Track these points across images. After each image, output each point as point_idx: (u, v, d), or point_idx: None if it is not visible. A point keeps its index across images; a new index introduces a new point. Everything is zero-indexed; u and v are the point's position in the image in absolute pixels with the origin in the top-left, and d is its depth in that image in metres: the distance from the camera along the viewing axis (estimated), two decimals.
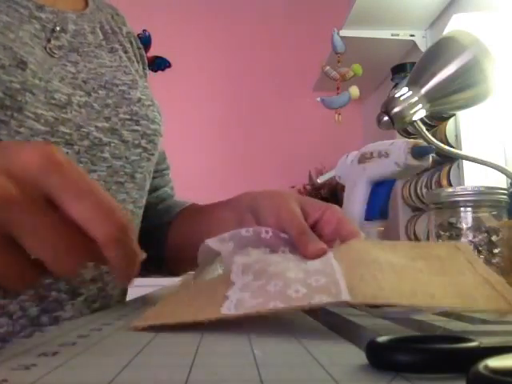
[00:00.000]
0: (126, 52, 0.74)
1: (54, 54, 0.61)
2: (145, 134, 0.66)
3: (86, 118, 0.60)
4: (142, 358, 0.29)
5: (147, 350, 0.32)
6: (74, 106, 0.59)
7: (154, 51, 2.28)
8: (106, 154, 0.61)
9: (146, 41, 2.25)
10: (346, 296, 0.36)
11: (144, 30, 2.25)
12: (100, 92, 0.63)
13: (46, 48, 0.60)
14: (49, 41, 0.61)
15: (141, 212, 0.69)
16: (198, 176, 2.37)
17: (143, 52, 0.82)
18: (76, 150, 0.58)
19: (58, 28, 0.63)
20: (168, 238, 0.74)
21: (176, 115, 2.42)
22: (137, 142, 0.65)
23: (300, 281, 0.38)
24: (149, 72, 0.84)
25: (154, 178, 0.76)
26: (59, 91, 0.57)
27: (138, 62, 0.79)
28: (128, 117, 0.64)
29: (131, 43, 0.79)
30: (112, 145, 0.62)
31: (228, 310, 0.37)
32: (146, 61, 0.83)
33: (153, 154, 0.69)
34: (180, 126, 2.39)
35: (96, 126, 0.60)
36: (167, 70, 2.37)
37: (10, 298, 0.52)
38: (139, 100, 0.66)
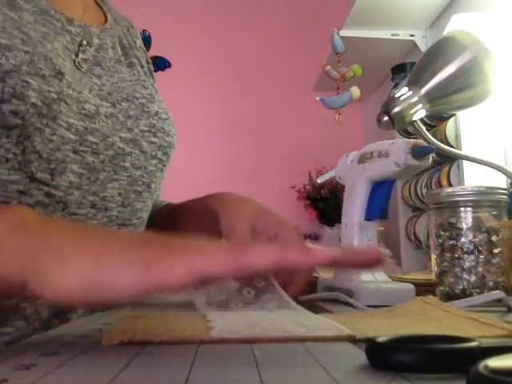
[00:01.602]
0: (142, 66, 0.76)
1: (82, 67, 0.63)
2: (161, 145, 0.68)
3: (112, 129, 0.62)
4: (142, 358, 0.29)
5: (147, 350, 0.32)
6: (102, 116, 0.61)
7: (153, 51, 2.28)
8: (127, 164, 0.63)
9: (146, 41, 2.24)
10: (347, 330, 0.35)
11: (144, 30, 2.25)
12: (123, 104, 0.65)
13: (74, 62, 0.62)
14: (76, 55, 0.63)
15: None
16: (198, 175, 2.37)
17: (152, 67, 0.84)
18: (101, 159, 0.60)
19: (84, 42, 0.65)
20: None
21: (175, 115, 2.41)
22: (154, 153, 0.67)
23: (296, 323, 0.38)
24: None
25: None
26: (89, 102, 0.59)
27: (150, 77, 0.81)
28: (147, 129, 0.67)
29: (143, 57, 0.80)
30: (133, 155, 0.64)
31: (219, 334, 0.35)
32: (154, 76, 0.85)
33: (165, 165, 0.71)
34: (179, 126, 2.39)
35: (120, 137, 0.62)
36: (167, 69, 2.37)
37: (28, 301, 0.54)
38: (157, 113, 0.69)
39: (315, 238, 2.24)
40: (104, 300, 0.32)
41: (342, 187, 0.71)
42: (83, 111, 0.58)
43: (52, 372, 0.26)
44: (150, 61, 0.84)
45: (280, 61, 2.58)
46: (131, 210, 0.64)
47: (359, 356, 0.29)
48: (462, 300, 0.54)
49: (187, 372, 0.26)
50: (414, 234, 1.59)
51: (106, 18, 0.74)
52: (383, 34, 1.76)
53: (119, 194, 0.62)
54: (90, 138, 0.59)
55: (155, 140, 0.67)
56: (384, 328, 0.38)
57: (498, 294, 0.53)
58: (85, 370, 0.27)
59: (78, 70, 0.62)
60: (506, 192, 0.64)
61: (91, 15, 0.71)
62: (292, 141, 2.51)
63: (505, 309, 0.52)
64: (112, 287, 0.31)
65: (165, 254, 0.32)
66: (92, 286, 0.31)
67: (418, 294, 0.61)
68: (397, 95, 0.72)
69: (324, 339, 0.34)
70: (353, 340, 0.34)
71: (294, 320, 0.39)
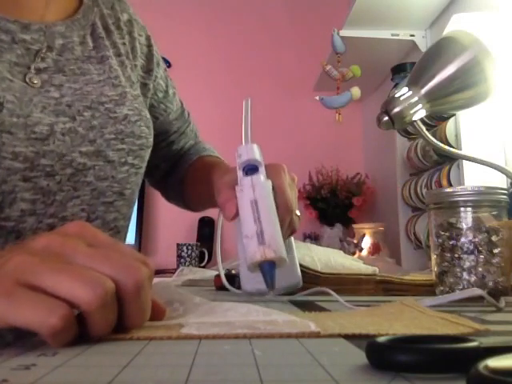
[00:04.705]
0: (119, 55, 0.69)
1: (34, 83, 0.58)
2: (131, 150, 0.64)
3: (70, 146, 0.58)
4: (142, 358, 0.29)
5: (147, 350, 0.32)
6: (57, 134, 0.57)
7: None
8: (90, 178, 0.60)
9: None
10: (314, 327, 0.36)
11: None
12: (85, 114, 0.60)
13: (25, 78, 0.57)
14: (29, 68, 0.58)
15: (129, 222, 0.70)
16: None
17: (152, 41, 0.78)
18: (57, 179, 0.57)
19: (44, 49, 0.60)
20: (183, 185, 0.84)
21: None
22: (123, 160, 0.63)
23: (264, 321, 0.39)
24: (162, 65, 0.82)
25: (175, 142, 0.84)
26: (40, 123, 0.56)
27: (135, 58, 0.73)
28: (113, 136, 0.62)
29: (130, 34, 0.73)
30: (96, 167, 0.60)
31: (189, 331, 0.36)
32: (156, 54, 0.80)
33: (141, 167, 0.67)
34: None
35: (80, 152, 0.59)
36: (167, 70, 2.37)
37: None
38: (126, 117, 0.64)
39: (315, 238, 2.24)
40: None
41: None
42: (33, 135, 0.55)
43: (52, 372, 0.26)
44: (150, 35, 0.78)
45: (280, 61, 2.58)
46: (102, 223, 0.62)
47: (359, 356, 0.29)
48: (441, 296, 0.55)
49: (187, 372, 0.26)
50: (414, 234, 1.59)
51: (81, 2, 0.67)
52: (383, 34, 1.77)
53: (82, 210, 0.59)
54: (43, 161, 0.55)
55: (123, 147, 0.63)
56: (352, 326, 0.38)
57: (476, 290, 0.54)
58: (85, 370, 0.27)
59: (31, 86, 0.57)
60: (506, 192, 0.64)
61: (56, 5, 0.65)
62: (292, 141, 2.51)
63: (493, 308, 0.52)
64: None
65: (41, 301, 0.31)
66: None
67: (418, 293, 0.61)
68: (397, 95, 0.72)
69: (289, 336, 0.35)
70: (347, 338, 0.34)
71: (266, 318, 0.40)
